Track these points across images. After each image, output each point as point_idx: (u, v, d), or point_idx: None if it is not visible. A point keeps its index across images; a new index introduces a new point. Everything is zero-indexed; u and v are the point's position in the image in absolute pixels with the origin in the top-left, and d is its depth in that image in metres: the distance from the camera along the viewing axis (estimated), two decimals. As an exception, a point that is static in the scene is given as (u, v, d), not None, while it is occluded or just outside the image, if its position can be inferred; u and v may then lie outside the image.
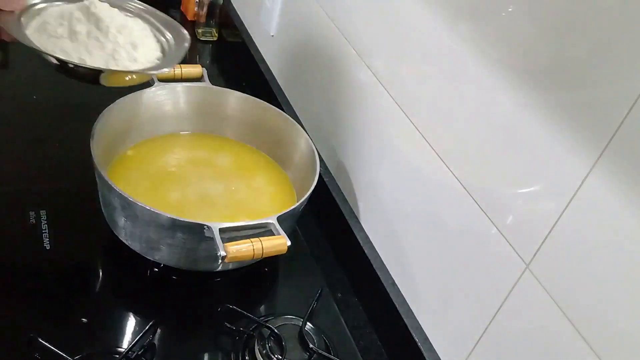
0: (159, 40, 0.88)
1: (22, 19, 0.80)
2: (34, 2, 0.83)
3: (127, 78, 0.81)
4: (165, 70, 0.82)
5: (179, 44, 0.88)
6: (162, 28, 0.90)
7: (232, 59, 1.40)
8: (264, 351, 0.78)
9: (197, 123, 1.04)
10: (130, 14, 0.89)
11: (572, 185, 0.59)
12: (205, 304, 0.87)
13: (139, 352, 0.76)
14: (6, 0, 0.78)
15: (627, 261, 0.54)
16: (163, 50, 0.86)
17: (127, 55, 0.81)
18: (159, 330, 0.81)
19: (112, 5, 0.86)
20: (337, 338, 0.85)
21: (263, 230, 0.78)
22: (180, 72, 1.01)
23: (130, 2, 0.91)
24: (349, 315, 0.91)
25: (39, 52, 0.75)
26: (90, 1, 0.84)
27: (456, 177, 0.75)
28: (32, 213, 0.91)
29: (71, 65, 0.76)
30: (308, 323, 0.83)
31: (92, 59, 0.79)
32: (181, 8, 1.52)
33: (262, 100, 1.03)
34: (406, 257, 0.86)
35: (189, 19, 1.49)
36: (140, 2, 0.91)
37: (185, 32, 0.90)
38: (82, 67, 0.76)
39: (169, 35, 0.89)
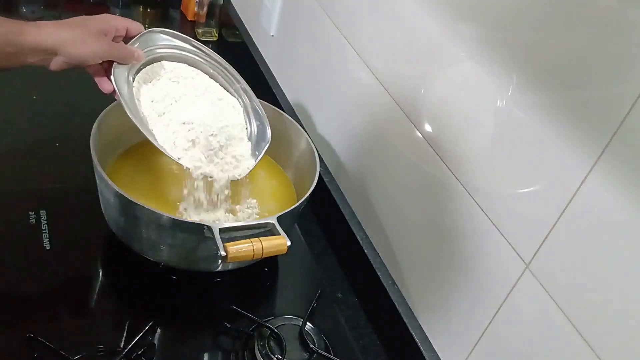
0: (246, 127, 0.91)
1: (131, 75, 0.82)
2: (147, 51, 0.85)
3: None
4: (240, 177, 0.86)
5: (259, 138, 0.91)
6: (251, 113, 0.93)
7: (232, 59, 1.39)
8: (264, 351, 0.78)
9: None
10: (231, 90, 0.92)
11: (572, 185, 0.59)
12: (205, 304, 0.88)
13: (139, 352, 0.76)
14: (126, 54, 0.81)
15: (627, 261, 0.54)
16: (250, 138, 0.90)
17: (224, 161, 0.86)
18: (159, 330, 0.81)
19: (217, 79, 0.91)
20: (337, 338, 0.85)
21: (263, 230, 0.78)
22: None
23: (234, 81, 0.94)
24: (349, 315, 0.91)
25: (142, 131, 0.78)
26: (205, 83, 0.89)
27: (456, 177, 0.75)
28: (32, 213, 0.91)
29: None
30: (308, 323, 0.83)
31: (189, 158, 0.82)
32: (181, 8, 1.53)
33: (262, 100, 1.03)
34: (406, 257, 0.86)
35: (189, 19, 1.49)
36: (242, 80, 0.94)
37: (269, 131, 0.92)
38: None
39: (254, 126, 0.92)
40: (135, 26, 0.83)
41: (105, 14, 0.80)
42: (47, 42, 0.73)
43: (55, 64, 0.75)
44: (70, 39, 0.74)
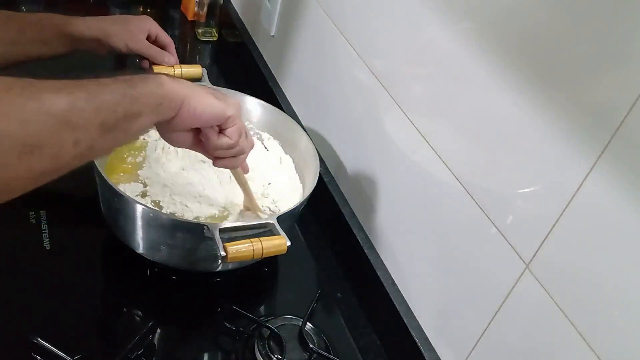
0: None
1: None
2: None
3: None
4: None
5: None
6: None
7: (232, 59, 1.40)
8: (264, 351, 0.78)
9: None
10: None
11: (572, 185, 0.59)
12: (205, 304, 0.87)
13: (139, 352, 0.76)
14: (156, 54, 0.99)
15: (627, 261, 0.54)
16: None
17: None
18: (159, 330, 0.81)
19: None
20: (337, 338, 0.85)
21: (263, 231, 0.78)
22: (180, 72, 1.01)
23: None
24: (349, 315, 0.91)
25: None
26: None
27: (456, 177, 0.75)
28: (32, 213, 0.90)
29: None
30: (308, 323, 0.83)
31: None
32: (181, 8, 1.52)
33: (262, 101, 1.03)
34: (406, 257, 0.86)
35: (189, 19, 1.49)
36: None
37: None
38: None
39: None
40: (163, 35, 1.00)
41: (145, 16, 0.98)
42: (91, 32, 0.92)
43: (101, 50, 0.95)
44: (111, 32, 0.93)
